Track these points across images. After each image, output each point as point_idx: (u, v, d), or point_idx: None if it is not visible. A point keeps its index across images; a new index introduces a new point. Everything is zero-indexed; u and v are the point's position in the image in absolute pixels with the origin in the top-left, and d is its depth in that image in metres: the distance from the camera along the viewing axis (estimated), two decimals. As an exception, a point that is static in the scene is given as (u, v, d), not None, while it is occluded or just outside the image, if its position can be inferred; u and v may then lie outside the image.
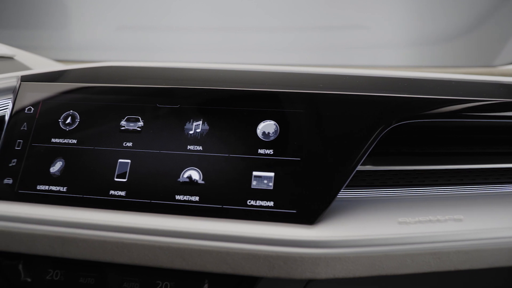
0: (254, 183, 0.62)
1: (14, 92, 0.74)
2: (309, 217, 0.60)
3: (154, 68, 0.77)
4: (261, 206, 0.61)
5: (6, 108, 0.76)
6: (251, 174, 0.62)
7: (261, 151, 0.63)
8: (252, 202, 0.61)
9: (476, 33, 1.22)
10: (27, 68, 1.00)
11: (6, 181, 0.67)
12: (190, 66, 0.76)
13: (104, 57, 1.35)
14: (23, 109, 0.71)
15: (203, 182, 0.63)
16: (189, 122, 0.66)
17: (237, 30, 1.58)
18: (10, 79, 0.77)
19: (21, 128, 0.70)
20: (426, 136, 0.73)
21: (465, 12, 1.23)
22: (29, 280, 0.66)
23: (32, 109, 0.71)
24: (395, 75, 0.73)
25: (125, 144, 0.66)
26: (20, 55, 0.99)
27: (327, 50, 1.45)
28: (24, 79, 0.74)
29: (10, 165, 0.68)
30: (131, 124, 0.67)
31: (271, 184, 0.62)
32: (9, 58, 0.95)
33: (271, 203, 0.61)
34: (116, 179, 0.65)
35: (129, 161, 0.65)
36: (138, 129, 0.67)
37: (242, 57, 1.60)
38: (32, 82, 0.73)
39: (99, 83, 0.72)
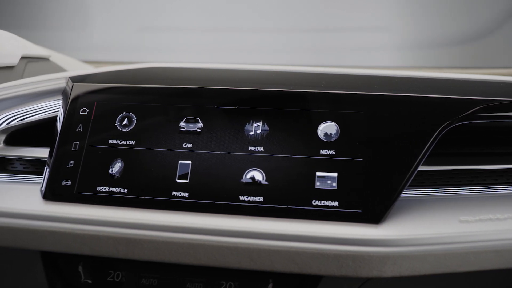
0: (318, 183, 0.63)
1: (66, 93, 0.74)
2: (375, 217, 0.61)
3: (203, 69, 0.77)
4: (326, 206, 0.62)
5: (57, 110, 0.76)
6: (315, 174, 0.63)
7: (323, 151, 0.64)
8: (317, 202, 0.62)
9: (496, 34, 1.25)
10: (61, 69, 1.00)
11: (64, 182, 0.67)
12: (241, 67, 0.76)
13: (125, 58, 1.35)
14: (78, 110, 0.71)
15: (266, 182, 0.63)
16: (249, 123, 0.67)
17: (229, 31, 1.59)
18: (58, 80, 0.76)
19: (77, 130, 0.70)
20: (472, 137, 0.75)
21: (486, 14, 1.25)
22: (89, 281, 0.66)
23: (87, 110, 0.70)
24: (439, 77, 0.75)
25: (185, 145, 0.66)
26: (53, 56, 0.99)
27: (342, 51, 1.47)
28: (74, 80, 0.74)
29: (68, 166, 0.68)
30: (191, 125, 0.67)
31: (334, 184, 0.63)
32: (45, 59, 0.94)
33: (336, 203, 0.62)
34: (177, 180, 0.65)
35: (190, 162, 0.66)
36: (198, 130, 0.67)
37: (238, 58, 1.61)
38: (83, 83, 0.73)
39: (150, 84, 0.72)
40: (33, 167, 0.79)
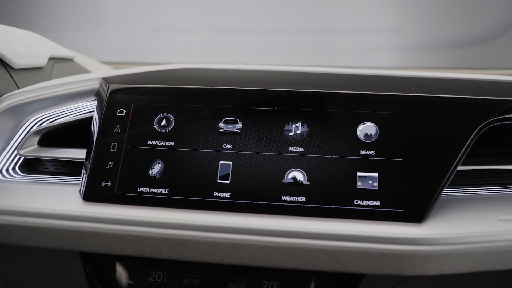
0: (359, 183, 0.63)
1: (100, 94, 0.74)
2: (417, 216, 0.61)
3: (236, 70, 0.77)
4: (368, 206, 0.62)
5: (89, 111, 0.76)
6: (356, 174, 0.64)
7: (363, 152, 0.65)
8: (359, 202, 0.63)
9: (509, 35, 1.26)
10: (85, 70, 1.00)
11: (104, 183, 0.67)
12: (275, 68, 0.77)
13: (139, 59, 1.35)
14: (114, 111, 0.71)
15: (308, 182, 0.64)
16: (288, 124, 0.67)
17: (225, 31, 1.60)
18: (91, 81, 0.76)
19: (114, 131, 0.70)
20: (498, 137, 0.76)
21: (499, 15, 1.27)
22: (130, 282, 0.66)
23: (124, 111, 0.71)
24: (467, 78, 0.76)
25: (225, 146, 0.67)
26: (77, 57, 0.98)
27: (349, 51, 1.48)
28: (108, 81, 0.74)
29: (107, 167, 0.68)
30: (230, 126, 0.68)
31: (376, 184, 0.63)
32: (70, 60, 0.94)
33: (377, 203, 0.62)
34: (219, 181, 0.65)
35: (230, 162, 0.66)
36: (238, 131, 0.67)
37: (238, 58, 1.62)
38: (119, 84, 0.73)
39: (186, 85, 0.72)
40: (64, 168, 0.79)
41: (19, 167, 0.76)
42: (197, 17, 1.52)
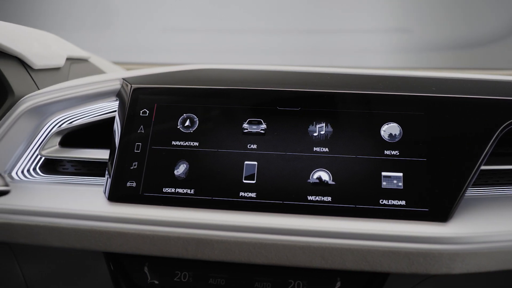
0: (384, 183, 0.64)
1: (122, 95, 0.74)
2: (442, 215, 0.62)
3: (257, 71, 0.78)
4: (393, 205, 0.63)
5: (109, 112, 0.76)
6: (380, 174, 0.64)
7: (387, 152, 0.66)
8: (385, 201, 0.63)
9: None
10: (100, 71, 1.00)
11: (129, 184, 0.67)
12: (296, 69, 0.77)
13: (150, 59, 1.35)
14: (138, 112, 0.71)
15: (333, 182, 0.64)
16: (312, 124, 0.68)
17: (223, 32, 1.60)
18: (111, 82, 0.77)
19: (138, 131, 0.70)
20: None
21: (501, 18, 1.28)
22: (156, 282, 0.66)
23: (147, 112, 0.71)
24: (486, 79, 0.77)
25: (250, 146, 0.67)
26: (92, 57, 0.98)
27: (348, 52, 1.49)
28: (129, 82, 0.74)
29: (131, 168, 0.68)
30: (254, 127, 0.68)
31: (400, 184, 0.64)
32: (85, 60, 0.94)
33: (403, 202, 0.63)
34: (244, 181, 0.66)
35: (255, 163, 0.66)
36: (262, 131, 0.68)
37: (237, 59, 1.62)
38: (141, 85, 0.73)
39: (208, 85, 0.72)
40: (84, 168, 0.79)
41: (39, 168, 0.76)
42: (194, 17, 1.52)
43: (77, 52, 0.91)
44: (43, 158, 0.75)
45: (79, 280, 0.72)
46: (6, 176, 0.72)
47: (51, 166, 0.79)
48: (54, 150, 0.75)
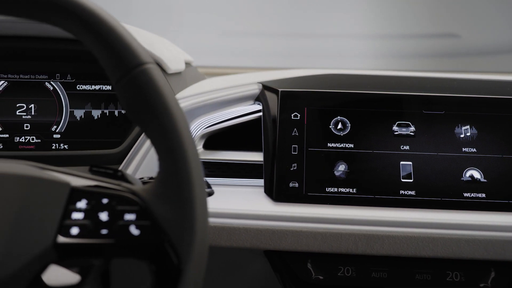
0: (530, 180, 0.70)
1: (265, 99, 0.76)
2: None
3: (392, 77, 0.82)
4: (541, 200, 0.69)
5: (244, 114, 0.79)
6: (526, 172, 0.71)
7: (529, 151, 0.72)
8: (533, 197, 0.69)
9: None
10: (200, 74, 1.01)
11: (291, 184, 0.70)
12: (430, 75, 0.82)
13: (207, 62, 1.37)
14: (289, 115, 0.74)
15: (485, 180, 0.70)
16: (458, 126, 0.73)
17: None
18: (249, 86, 0.79)
19: (292, 134, 0.73)
20: None
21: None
22: (321, 277, 0.70)
23: (299, 115, 0.74)
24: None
25: (403, 147, 0.72)
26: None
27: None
28: (275, 87, 0.77)
29: (291, 169, 0.71)
30: (403, 129, 0.73)
31: (544, 180, 0.70)
32: (190, 64, 0.96)
33: (549, 197, 0.69)
34: (402, 180, 0.70)
35: (410, 163, 0.71)
36: (411, 133, 0.73)
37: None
38: (288, 89, 0.76)
39: (352, 90, 0.76)
40: (219, 170, 0.80)
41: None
42: (249, 20, 1.55)
43: (187, 56, 0.92)
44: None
45: (250, 277, 0.74)
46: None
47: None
48: (199, 153, 0.77)
